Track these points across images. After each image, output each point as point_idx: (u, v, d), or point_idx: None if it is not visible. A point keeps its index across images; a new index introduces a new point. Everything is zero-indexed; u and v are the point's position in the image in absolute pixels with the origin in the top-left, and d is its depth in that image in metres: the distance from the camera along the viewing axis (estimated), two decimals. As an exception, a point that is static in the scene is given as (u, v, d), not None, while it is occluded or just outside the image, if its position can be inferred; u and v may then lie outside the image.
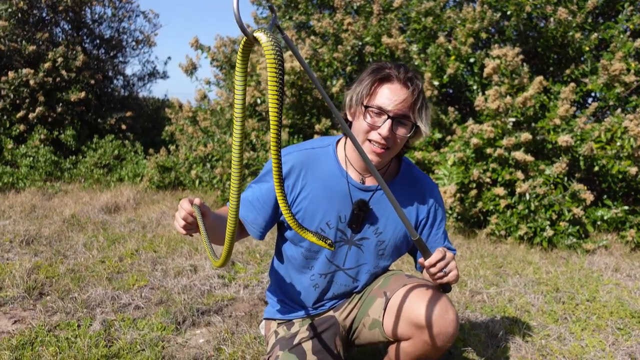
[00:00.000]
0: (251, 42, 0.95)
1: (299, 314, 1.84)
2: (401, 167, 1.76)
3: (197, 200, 1.44)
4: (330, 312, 1.85)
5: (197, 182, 6.12)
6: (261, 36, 0.92)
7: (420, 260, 1.50)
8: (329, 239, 1.29)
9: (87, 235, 4.23)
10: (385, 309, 1.71)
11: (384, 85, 1.56)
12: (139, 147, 7.71)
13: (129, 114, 8.40)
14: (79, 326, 2.48)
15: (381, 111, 1.54)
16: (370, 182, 1.70)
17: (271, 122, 1.01)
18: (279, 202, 1.17)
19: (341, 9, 6.01)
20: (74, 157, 7.36)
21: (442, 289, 1.61)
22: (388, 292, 1.72)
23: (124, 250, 3.83)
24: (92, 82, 8.03)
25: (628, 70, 5.20)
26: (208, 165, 6.06)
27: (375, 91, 1.56)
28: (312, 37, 5.90)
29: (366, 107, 1.55)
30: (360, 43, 5.71)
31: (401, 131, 1.56)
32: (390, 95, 1.53)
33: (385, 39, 5.41)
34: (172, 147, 6.86)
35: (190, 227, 1.43)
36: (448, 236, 1.88)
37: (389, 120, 1.53)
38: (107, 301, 2.82)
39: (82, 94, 7.60)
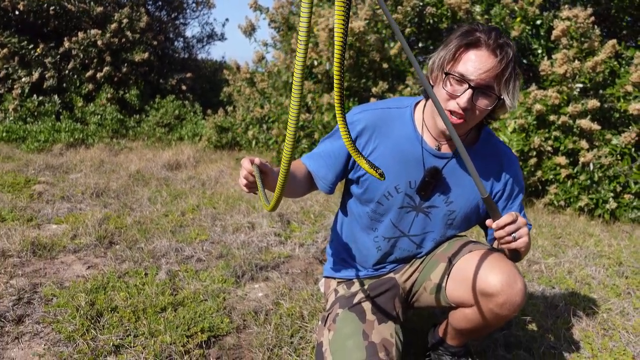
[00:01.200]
0: None
1: (360, 273, 1.85)
2: (481, 135, 1.69)
3: (257, 160, 1.42)
4: (391, 274, 1.84)
5: (253, 142, 6.27)
6: None
7: (489, 221, 1.40)
8: (380, 169, 1.18)
9: (151, 190, 4.48)
10: (448, 275, 1.68)
11: (470, 50, 1.45)
12: (197, 108, 7.95)
13: (188, 75, 8.64)
14: (146, 274, 2.68)
15: (463, 79, 1.45)
16: (445, 149, 1.64)
17: (335, 54, 0.98)
18: (338, 120, 1.06)
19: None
20: (137, 116, 7.69)
21: (511, 257, 1.54)
22: (452, 258, 1.69)
23: (186, 205, 4.03)
24: (155, 43, 8.28)
25: None
26: (264, 126, 6.18)
27: (460, 57, 1.46)
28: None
29: (447, 73, 1.47)
30: (421, 3, 5.54)
31: (482, 102, 1.47)
32: (475, 63, 1.44)
33: (447, -1, 5.23)
34: (229, 108, 7.03)
35: (252, 185, 1.42)
36: (525, 212, 1.78)
37: (470, 90, 1.44)
38: (172, 252, 3.01)
39: (146, 55, 7.86)
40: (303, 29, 0.93)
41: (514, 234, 1.38)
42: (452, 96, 1.48)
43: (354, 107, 1.71)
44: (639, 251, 3.63)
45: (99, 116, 7.33)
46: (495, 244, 1.72)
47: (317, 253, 3.20)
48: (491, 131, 1.74)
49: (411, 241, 1.76)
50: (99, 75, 7.59)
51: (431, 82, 1.57)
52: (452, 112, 1.49)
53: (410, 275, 1.83)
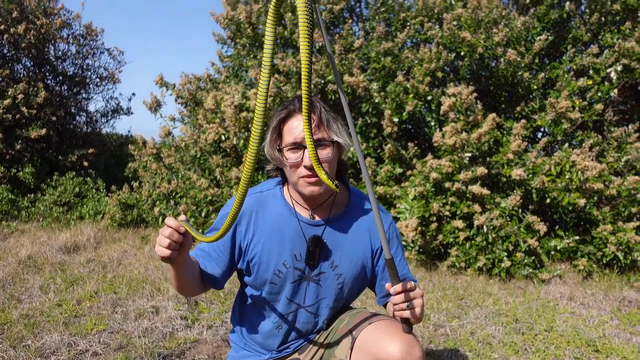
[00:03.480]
0: None
1: (264, 357, 1.83)
2: (350, 197, 1.78)
3: (182, 217, 1.43)
4: (295, 355, 1.83)
5: (160, 219, 6.06)
6: None
7: (388, 285, 1.47)
8: (336, 181, 1.31)
9: (43, 277, 4.12)
10: (352, 349, 1.68)
11: (287, 122, 1.60)
12: (100, 184, 7.60)
13: (91, 150, 8.30)
14: (33, 375, 2.41)
15: (295, 146, 1.58)
16: (319, 217, 1.72)
17: (303, 64, 1.06)
18: (307, 143, 1.23)
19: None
20: (32, 195, 7.18)
21: (404, 325, 1.55)
22: (354, 331, 1.70)
23: (83, 292, 3.74)
24: (54, 118, 7.93)
25: (573, 107, 5.53)
26: (172, 202, 6.02)
27: (283, 131, 1.61)
28: (276, 76, 6.04)
29: (281, 149, 1.60)
30: (322, 81, 5.88)
31: (322, 153, 1.59)
32: (297, 128, 1.57)
33: (346, 78, 5.60)
34: (135, 184, 6.79)
35: (176, 246, 1.40)
36: (408, 266, 1.86)
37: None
38: (63, 348, 2.75)
39: (43, 131, 7.49)
40: (270, 23, 1.01)
41: (408, 303, 1.44)
42: (296, 164, 1.60)
43: (229, 200, 1.76)
44: (532, 307, 3.89)
45: (-13, 197, 6.75)
46: (389, 306, 1.76)
47: (226, 335, 3.07)
48: (360, 192, 1.84)
49: (308, 312, 1.78)
50: (-12, 153, 7.08)
51: (279, 165, 1.69)
52: (305, 178, 1.59)
53: (315, 353, 1.81)
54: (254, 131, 1.10)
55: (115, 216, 6.38)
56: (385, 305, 1.85)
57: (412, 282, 1.47)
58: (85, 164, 8.07)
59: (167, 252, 1.39)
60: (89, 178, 7.68)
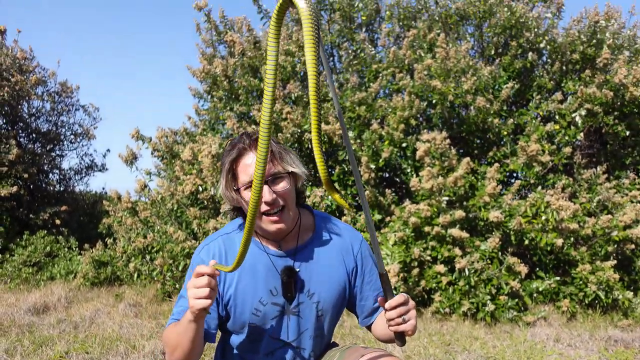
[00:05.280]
0: (286, 5, 0.99)
1: None
2: (316, 222, 1.76)
3: (212, 261, 1.42)
4: None
5: (135, 275, 5.87)
6: (299, 1, 0.97)
7: (381, 299, 1.45)
8: (349, 199, 1.28)
9: (9, 340, 3.89)
10: None
11: (240, 161, 1.60)
12: (73, 243, 7.36)
13: (64, 208, 8.10)
14: None
15: (251, 184, 1.59)
16: (287, 247, 1.69)
17: (309, 73, 1.03)
18: (316, 153, 1.19)
19: (280, 99, 6.32)
20: (0, 256, 6.89)
21: (397, 340, 1.53)
22: None
23: (52, 353, 3.54)
24: (26, 176, 7.77)
25: (543, 151, 5.70)
26: (147, 257, 5.85)
27: (237, 171, 1.60)
28: (253, 126, 6.10)
29: (237, 189, 1.59)
30: (299, 130, 5.96)
31: (280, 186, 1.58)
32: (250, 166, 1.57)
33: (323, 126, 5.69)
34: (109, 241, 6.61)
35: (214, 294, 1.38)
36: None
37: (265, 186, 1.55)
38: (30, 412, 2.55)
39: (14, 189, 7.31)
40: (273, 32, 1.00)
41: (404, 316, 1.42)
42: None
43: (197, 249, 1.73)
44: (519, 349, 3.83)
45: (-49, 259, 6.46)
46: (378, 321, 1.73)
47: (205, 392, 2.91)
48: (326, 215, 1.83)
49: (292, 348, 1.72)
50: (-46, 213, 6.84)
51: (237, 205, 1.67)
52: (267, 213, 1.58)
53: None
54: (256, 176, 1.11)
55: (88, 275, 6.16)
56: (369, 327, 1.81)
57: (405, 295, 1.46)
58: (58, 222, 7.84)
59: (208, 302, 1.37)
60: (60, 236, 7.44)
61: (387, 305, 1.43)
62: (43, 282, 6.35)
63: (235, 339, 1.72)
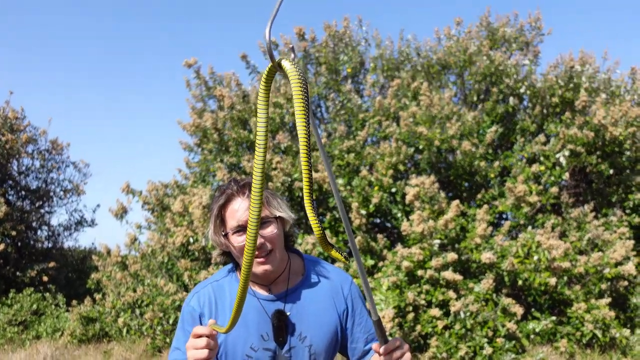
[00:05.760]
0: (275, 69, 1.03)
1: None
2: (305, 265, 1.77)
3: (211, 321, 1.42)
4: None
5: (124, 330, 5.72)
6: (285, 63, 1.01)
7: (375, 346, 1.45)
8: (345, 252, 1.28)
9: (-8, 403, 3.72)
10: None
11: (228, 206, 1.62)
12: (60, 300, 7.19)
13: (52, 264, 7.96)
14: None
15: (239, 229, 1.59)
16: (276, 290, 1.69)
17: (300, 143, 1.06)
18: (309, 214, 1.16)
19: (269, 150, 6.42)
20: (-16, 316, 6.70)
21: None
22: None
23: (37, 414, 3.39)
24: (14, 233, 7.68)
25: (530, 192, 5.79)
26: (137, 311, 5.73)
27: (224, 217, 1.62)
28: (244, 176, 6.16)
29: (226, 234, 1.60)
30: (289, 179, 6.02)
31: (267, 231, 1.59)
32: (237, 211, 1.59)
33: (312, 174, 5.75)
34: (97, 296, 6.48)
35: (213, 355, 1.37)
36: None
37: None
38: None
39: (1, 247, 7.20)
40: (262, 99, 1.03)
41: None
42: (244, 247, 1.61)
43: (187, 297, 1.74)
44: (520, 393, 3.74)
45: None
46: None
47: None
48: (315, 258, 1.84)
49: None
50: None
51: (226, 250, 1.68)
52: (255, 258, 1.58)
53: None
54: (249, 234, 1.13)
55: (76, 332, 6.00)
56: None
57: (399, 339, 1.45)
58: (45, 278, 7.68)
59: None
60: (48, 294, 7.27)
61: (382, 350, 1.43)
62: (29, 341, 6.15)
63: None
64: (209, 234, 1.67)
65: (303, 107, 1.05)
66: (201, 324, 1.64)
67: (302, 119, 1.06)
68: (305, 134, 1.08)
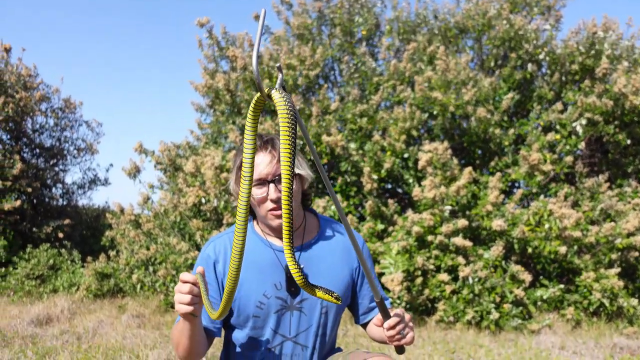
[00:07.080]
0: (264, 100, 1.02)
1: None
2: (320, 223, 1.83)
3: (200, 269, 1.47)
4: None
5: (138, 287, 5.87)
6: (275, 94, 1.01)
7: (379, 320, 1.53)
8: (335, 293, 1.32)
9: (13, 351, 3.88)
10: None
11: None
12: (76, 256, 7.36)
13: (67, 221, 8.11)
14: None
15: (259, 182, 1.63)
16: (293, 243, 1.75)
17: (283, 174, 1.05)
18: (287, 258, 1.21)
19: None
20: (3, 269, 6.90)
21: (397, 350, 1.61)
22: None
23: (56, 363, 3.53)
24: (29, 190, 7.81)
25: (545, 160, 5.73)
26: (150, 268, 5.86)
27: None
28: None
29: None
30: (301, 142, 6.00)
31: None
32: (259, 164, 1.63)
33: (325, 138, 5.73)
34: (112, 253, 6.62)
35: (197, 300, 1.41)
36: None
37: (271, 184, 1.62)
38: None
39: (17, 203, 7.34)
40: (250, 126, 1.04)
41: (402, 332, 1.51)
42: (263, 199, 1.65)
43: (205, 244, 1.79)
44: (525, 357, 3.81)
45: (-46, 273, 6.46)
46: (372, 325, 1.78)
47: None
48: (328, 218, 1.89)
49: (295, 343, 1.74)
50: (-42, 227, 6.86)
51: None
52: (272, 212, 1.65)
53: None
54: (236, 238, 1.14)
55: (91, 287, 6.16)
56: (364, 325, 1.86)
57: (400, 311, 1.52)
58: (61, 235, 7.86)
59: (191, 308, 1.40)
60: (63, 250, 7.45)
61: (386, 325, 1.51)
62: (46, 294, 6.34)
63: (239, 334, 1.74)
64: (230, 185, 1.74)
65: (289, 143, 1.03)
66: (215, 270, 1.71)
67: (287, 155, 1.04)
68: (289, 171, 1.06)
